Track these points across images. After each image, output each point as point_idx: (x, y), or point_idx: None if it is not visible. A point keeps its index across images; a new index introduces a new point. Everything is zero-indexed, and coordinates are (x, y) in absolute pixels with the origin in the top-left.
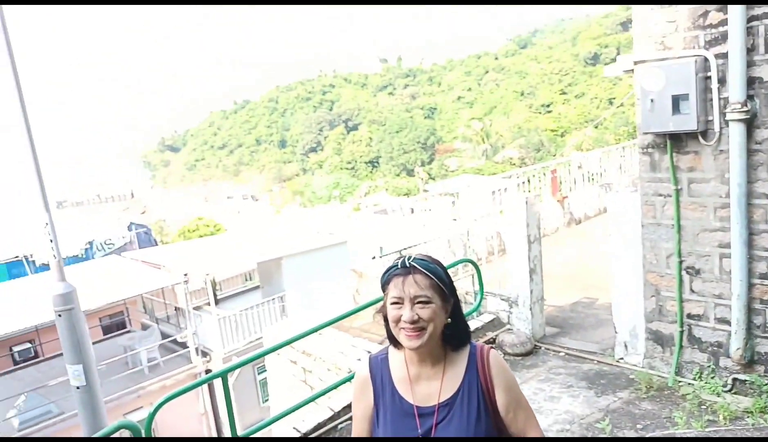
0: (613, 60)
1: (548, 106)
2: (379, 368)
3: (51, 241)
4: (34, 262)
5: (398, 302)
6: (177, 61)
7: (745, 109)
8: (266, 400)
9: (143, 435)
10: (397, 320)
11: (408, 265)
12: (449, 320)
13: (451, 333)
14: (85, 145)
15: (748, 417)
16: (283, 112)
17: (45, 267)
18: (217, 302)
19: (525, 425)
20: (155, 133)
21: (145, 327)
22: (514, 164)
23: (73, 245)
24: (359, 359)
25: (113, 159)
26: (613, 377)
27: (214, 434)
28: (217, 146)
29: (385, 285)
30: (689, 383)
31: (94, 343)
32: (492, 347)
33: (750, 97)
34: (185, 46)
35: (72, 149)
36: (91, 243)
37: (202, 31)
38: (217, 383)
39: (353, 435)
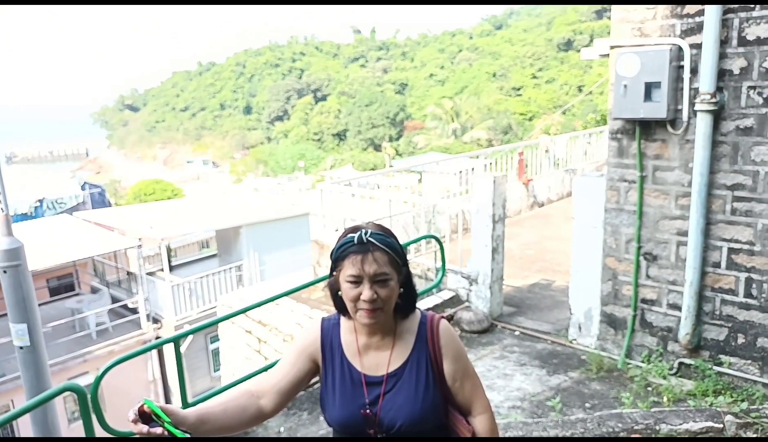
0: (587, 46)
1: (519, 89)
2: (329, 332)
3: None
4: None
5: (356, 281)
6: (140, 19)
7: (714, 100)
8: (217, 369)
9: (89, 399)
10: (355, 299)
11: (366, 241)
12: (401, 289)
13: (402, 302)
14: (40, 98)
15: (690, 399)
16: (250, 78)
17: None
18: (171, 268)
19: (471, 394)
20: (114, 91)
21: (94, 290)
22: (482, 145)
23: (22, 202)
24: (311, 318)
25: (68, 115)
26: (565, 357)
27: (163, 402)
28: (179, 108)
29: (338, 260)
30: (638, 366)
31: (40, 304)
32: (443, 317)
33: (719, 89)
34: (152, 5)
35: (25, 100)
36: (41, 201)
37: (166, 7)
38: (168, 350)
39: (276, 366)
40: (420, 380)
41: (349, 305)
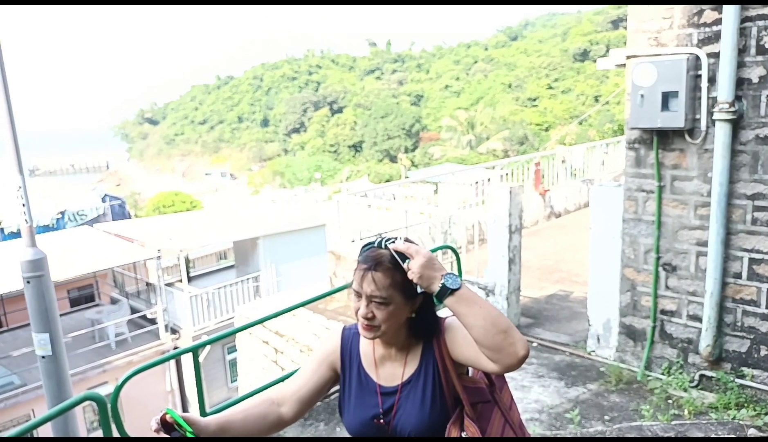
0: (603, 56)
1: (534, 99)
2: (349, 341)
3: (23, 205)
4: (2, 230)
5: (358, 295)
6: (160, 34)
7: (732, 109)
8: (234, 380)
9: (109, 408)
10: (356, 311)
11: (384, 247)
12: (413, 315)
13: (416, 327)
14: (61, 112)
15: (712, 412)
16: (267, 91)
17: (14, 235)
18: (189, 279)
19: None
20: (134, 105)
21: (114, 301)
22: (498, 156)
23: (44, 214)
24: (327, 328)
25: (90, 129)
26: (584, 369)
27: (182, 412)
28: (197, 121)
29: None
30: (658, 378)
31: (61, 315)
32: (448, 316)
33: (738, 98)
34: (170, 19)
35: (48, 116)
36: (63, 213)
37: (183, 15)
38: (186, 361)
39: (297, 374)
40: (428, 385)
41: (354, 315)
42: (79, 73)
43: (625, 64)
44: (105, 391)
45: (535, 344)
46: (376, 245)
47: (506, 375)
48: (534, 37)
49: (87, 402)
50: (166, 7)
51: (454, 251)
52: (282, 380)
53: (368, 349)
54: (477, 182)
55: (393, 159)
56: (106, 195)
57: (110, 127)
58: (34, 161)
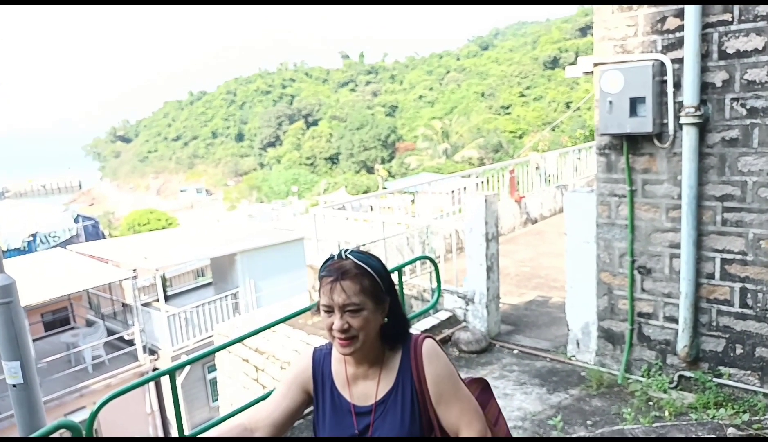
0: (572, 64)
1: (507, 107)
2: (320, 362)
3: None
4: None
5: (328, 310)
6: (131, 50)
7: (698, 113)
8: (216, 399)
9: (84, 435)
10: (330, 328)
11: (345, 257)
12: (386, 319)
13: (389, 332)
14: (31, 133)
15: (692, 413)
16: (241, 105)
17: None
18: (167, 298)
19: (459, 420)
20: (106, 123)
21: (90, 323)
22: (473, 164)
23: (15, 237)
24: (308, 344)
25: (61, 148)
26: (565, 375)
27: (161, 435)
28: (171, 138)
29: (319, 285)
30: (638, 380)
31: (35, 340)
32: (428, 336)
33: (703, 102)
34: (140, 34)
35: (18, 137)
36: (34, 236)
37: (157, 18)
38: (165, 382)
39: (269, 398)
40: (406, 406)
41: (327, 332)
42: (48, 72)
43: (593, 72)
44: (83, 416)
45: (515, 352)
46: (336, 257)
47: (490, 383)
48: (504, 46)
49: (63, 429)
50: (138, 8)
51: (432, 261)
52: (263, 398)
53: (340, 368)
54: (453, 191)
55: (370, 170)
56: (78, 215)
57: (82, 145)
58: (4, 183)
